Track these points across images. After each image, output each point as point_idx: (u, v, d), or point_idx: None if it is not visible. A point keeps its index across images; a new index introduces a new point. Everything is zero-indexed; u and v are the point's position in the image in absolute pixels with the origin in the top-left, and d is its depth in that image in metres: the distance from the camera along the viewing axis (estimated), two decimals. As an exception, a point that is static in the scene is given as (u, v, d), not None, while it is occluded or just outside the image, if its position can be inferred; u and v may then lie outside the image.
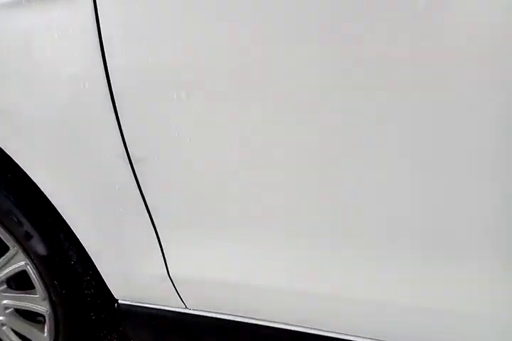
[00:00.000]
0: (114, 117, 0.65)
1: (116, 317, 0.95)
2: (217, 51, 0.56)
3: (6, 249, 0.96)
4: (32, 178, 0.78)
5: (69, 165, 0.74)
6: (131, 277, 0.84)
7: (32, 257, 0.94)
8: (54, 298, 0.96)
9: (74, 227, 0.81)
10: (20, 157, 0.78)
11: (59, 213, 0.87)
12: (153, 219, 0.74)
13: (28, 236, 0.91)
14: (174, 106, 0.60)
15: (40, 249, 0.92)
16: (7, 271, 0.98)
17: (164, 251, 0.77)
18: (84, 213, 0.79)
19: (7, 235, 0.93)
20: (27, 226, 0.90)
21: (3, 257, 0.96)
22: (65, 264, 0.93)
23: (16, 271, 0.98)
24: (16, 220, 0.90)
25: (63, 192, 0.78)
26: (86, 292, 0.97)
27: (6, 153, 0.80)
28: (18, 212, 0.89)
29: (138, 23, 0.57)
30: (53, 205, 0.84)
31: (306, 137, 0.56)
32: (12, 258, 0.96)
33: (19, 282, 1.04)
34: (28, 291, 1.02)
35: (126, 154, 0.68)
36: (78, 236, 0.82)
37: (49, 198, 0.79)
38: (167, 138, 0.64)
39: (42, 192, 0.83)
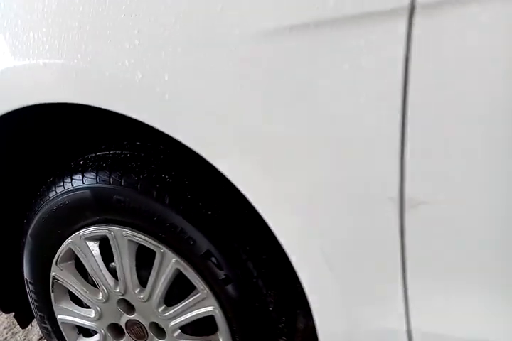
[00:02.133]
0: (399, 149, 0.59)
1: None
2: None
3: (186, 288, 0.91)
4: (261, 213, 0.72)
5: (322, 199, 0.67)
6: (354, 331, 0.77)
7: (223, 302, 0.88)
8: (239, 346, 0.90)
9: (300, 272, 0.75)
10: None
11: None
12: (405, 267, 0.67)
13: (227, 281, 0.85)
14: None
15: (236, 293, 0.86)
16: (190, 315, 0.93)
17: (409, 301, 0.70)
18: (318, 257, 0.73)
19: (199, 278, 0.87)
20: (227, 271, 0.84)
21: (190, 300, 0.91)
22: (260, 310, 0.87)
23: (201, 316, 0.92)
24: (215, 263, 0.84)
25: (297, 230, 0.72)
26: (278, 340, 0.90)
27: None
28: (219, 255, 0.84)
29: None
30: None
31: None
32: (199, 302, 0.90)
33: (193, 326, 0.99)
34: (208, 337, 0.96)
35: (399, 197, 0.62)
36: (304, 284, 0.75)
37: (277, 236, 0.73)
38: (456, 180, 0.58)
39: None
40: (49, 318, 1.12)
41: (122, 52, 0.64)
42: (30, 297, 1.10)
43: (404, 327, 0.72)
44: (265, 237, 0.88)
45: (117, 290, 0.96)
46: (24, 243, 1.04)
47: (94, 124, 1.01)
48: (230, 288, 0.86)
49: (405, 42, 0.53)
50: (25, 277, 1.08)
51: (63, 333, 1.12)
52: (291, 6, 0.56)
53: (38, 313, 1.12)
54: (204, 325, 0.96)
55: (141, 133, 0.94)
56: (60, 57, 0.67)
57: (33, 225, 1.00)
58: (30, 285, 1.08)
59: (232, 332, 0.91)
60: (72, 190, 0.91)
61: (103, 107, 0.70)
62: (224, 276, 0.85)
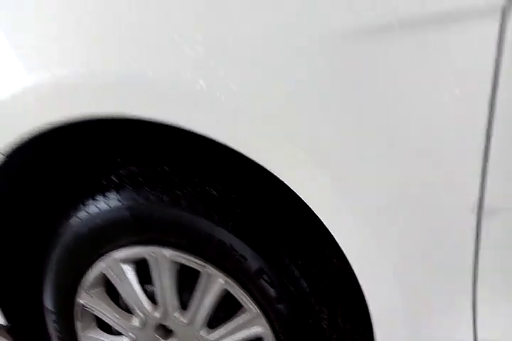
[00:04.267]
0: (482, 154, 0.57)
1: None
2: None
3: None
4: (326, 224, 0.69)
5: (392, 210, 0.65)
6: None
7: (273, 321, 0.84)
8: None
9: (364, 283, 0.72)
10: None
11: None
12: (476, 277, 0.66)
13: (280, 300, 0.81)
14: None
15: (288, 312, 0.83)
16: (236, 337, 0.88)
17: (477, 312, 0.68)
18: (384, 267, 0.70)
19: (248, 297, 0.83)
20: (280, 288, 0.81)
21: (237, 321, 0.86)
22: (313, 328, 0.83)
23: (248, 338, 0.88)
24: (268, 281, 0.81)
25: (364, 241, 0.69)
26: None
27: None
28: (271, 272, 0.80)
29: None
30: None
31: None
32: (247, 322, 0.86)
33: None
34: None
35: (478, 203, 0.60)
36: (368, 297, 0.72)
37: (342, 247, 0.70)
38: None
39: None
40: (72, 349, 1.05)
41: (185, 61, 0.61)
42: (52, 327, 1.03)
43: (471, 339, 0.71)
44: (314, 250, 0.86)
45: (156, 314, 0.91)
46: (46, 269, 0.97)
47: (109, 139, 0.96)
48: (282, 306, 0.83)
49: (497, 43, 0.52)
50: (47, 306, 1.00)
51: (89, 364, 1.04)
52: (374, 6, 0.54)
53: (60, 344, 1.05)
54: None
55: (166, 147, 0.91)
56: (116, 67, 0.63)
57: (57, 249, 0.93)
58: (52, 315, 1.01)
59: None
60: (107, 210, 0.85)
61: (160, 120, 0.66)
62: (276, 295, 0.82)
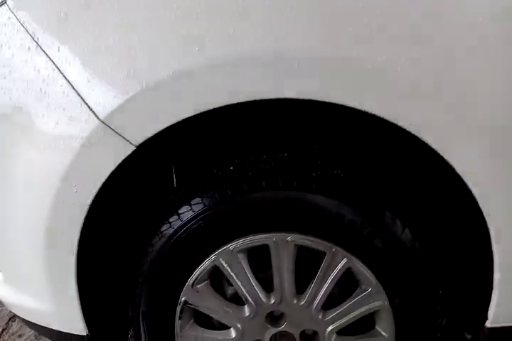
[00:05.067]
0: None
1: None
2: None
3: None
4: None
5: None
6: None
7: (393, 294, 0.88)
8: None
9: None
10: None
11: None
12: None
13: (401, 273, 0.86)
14: None
15: (407, 285, 0.87)
16: (354, 314, 0.91)
17: None
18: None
19: (371, 274, 0.86)
20: (401, 264, 0.85)
21: (357, 299, 0.89)
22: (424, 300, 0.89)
23: (365, 313, 0.91)
24: (391, 256, 0.85)
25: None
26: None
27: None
28: (394, 247, 0.84)
29: None
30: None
31: None
32: (368, 298, 0.89)
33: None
34: (365, 335, 0.95)
35: None
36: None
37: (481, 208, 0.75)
38: None
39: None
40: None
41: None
42: (145, 331, 0.98)
43: None
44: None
45: (270, 301, 0.91)
46: (143, 271, 0.93)
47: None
48: (401, 278, 0.87)
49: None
50: (143, 309, 0.96)
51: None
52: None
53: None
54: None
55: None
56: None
57: (159, 247, 0.90)
58: (146, 319, 0.97)
59: (397, 324, 0.91)
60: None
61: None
62: (398, 268, 0.86)
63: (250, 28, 0.66)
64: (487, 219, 0.76)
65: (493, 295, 0.84)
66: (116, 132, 0.73)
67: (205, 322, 0.99)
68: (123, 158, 0.75)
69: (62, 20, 0.73)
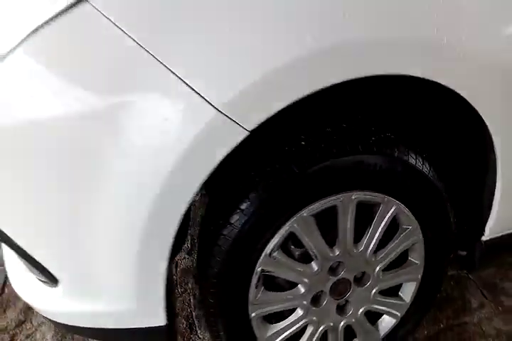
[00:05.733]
0: None
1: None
2: None
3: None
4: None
5: None
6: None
7: (426, 231, 1.10)
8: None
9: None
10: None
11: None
12: None
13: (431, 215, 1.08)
14: None
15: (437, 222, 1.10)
16: (397, 251, 1.10)
17: None
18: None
19: (412, 215, 1.06)
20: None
21: (401, 237, 1.09)
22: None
23: (405, 249, 1.11)
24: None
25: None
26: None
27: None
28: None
29: None
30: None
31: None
32: (408, 235, 1.09)
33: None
34: (402, 267, 1.16)
35: None
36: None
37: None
38: None
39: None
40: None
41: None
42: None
43: None
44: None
45: (335, 254, 1.04)
46: (222, 250, 0.98)
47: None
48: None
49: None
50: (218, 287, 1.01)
51: (255, 330, 1.10)
52: None
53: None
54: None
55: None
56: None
57: (240, 225, 0.95)
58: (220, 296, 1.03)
59: (426, 252, 1.14)
60: (304, 168, 0.94)
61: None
62: (430, 210, 1.09)
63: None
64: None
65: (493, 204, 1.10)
66: (233, 120, 0.76)
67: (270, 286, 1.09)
68: (234, 145, 0.79)
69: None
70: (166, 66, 0.74)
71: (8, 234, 0.92)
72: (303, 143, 0.95)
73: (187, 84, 0.75)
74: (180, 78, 0.75)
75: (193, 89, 0.75)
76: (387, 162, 0.99)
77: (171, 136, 0.77)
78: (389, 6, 0.79)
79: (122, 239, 0.86)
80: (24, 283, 1.11)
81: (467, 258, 1.27)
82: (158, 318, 0.99)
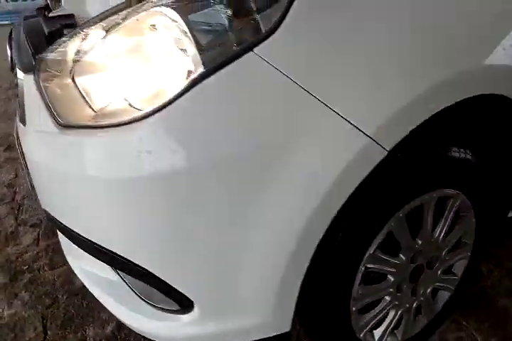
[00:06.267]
0: None
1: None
2: None
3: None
4: None
5: None
6: None
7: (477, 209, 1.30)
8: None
9: None
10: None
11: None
12: None
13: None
14: None
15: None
16: (460, 233, 1.30)
17: None
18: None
19: (469, 204, 1.25)
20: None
21: (463, 221, 1.27)
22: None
23: (463, 232, 1.30)
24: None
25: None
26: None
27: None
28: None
29: None
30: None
31: None
32: (466, 220, 1.28)
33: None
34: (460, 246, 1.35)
35: None
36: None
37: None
38: None
39: None
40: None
41: None
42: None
43: None
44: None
45: (419, 244, 1.20)
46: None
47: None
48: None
49: None
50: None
51: (353, 322, 1.23)
52: None
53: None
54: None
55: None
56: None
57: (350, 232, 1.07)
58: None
59: (476, 234, 1.34)
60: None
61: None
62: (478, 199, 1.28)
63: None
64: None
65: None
66: (379, 143, 0.87)
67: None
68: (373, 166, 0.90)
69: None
70: (329, 107, 0.83)
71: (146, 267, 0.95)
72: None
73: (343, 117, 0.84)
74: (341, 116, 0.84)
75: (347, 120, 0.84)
76: (468, 161, 1.16)
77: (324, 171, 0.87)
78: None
79: (272, 265, 0.95)
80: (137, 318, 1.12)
81: (494, 234, 1.50)
82: (286, 325, 1.08)
